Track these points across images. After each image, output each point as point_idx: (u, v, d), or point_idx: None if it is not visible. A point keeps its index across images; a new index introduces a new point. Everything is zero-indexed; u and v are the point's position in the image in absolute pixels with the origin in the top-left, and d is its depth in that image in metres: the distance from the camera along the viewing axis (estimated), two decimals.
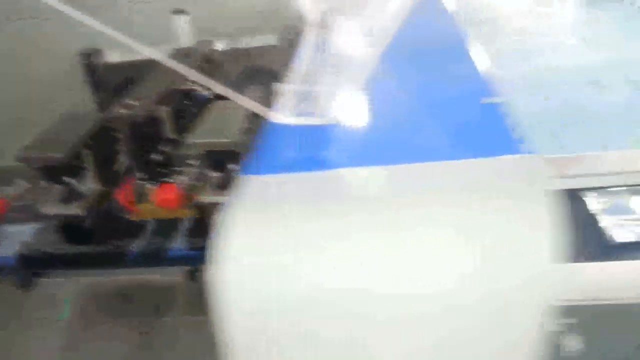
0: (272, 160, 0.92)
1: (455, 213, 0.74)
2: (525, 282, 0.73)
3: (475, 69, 1.22)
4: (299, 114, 1.00)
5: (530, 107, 1.12)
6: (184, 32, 2.35)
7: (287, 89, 1.02)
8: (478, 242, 0.72)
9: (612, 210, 1.57)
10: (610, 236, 1.48)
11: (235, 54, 2.26)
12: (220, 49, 2.32)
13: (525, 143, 0.90)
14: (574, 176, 1.65)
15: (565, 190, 1.61)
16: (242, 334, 0.76)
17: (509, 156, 0.84)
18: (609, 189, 1.61)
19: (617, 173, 1.67)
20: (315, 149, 0.93)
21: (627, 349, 1.21)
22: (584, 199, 1.60)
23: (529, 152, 0.87)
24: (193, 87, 1.88)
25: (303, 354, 0.78)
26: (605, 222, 1.55)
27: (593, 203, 1.62)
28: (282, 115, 1.02)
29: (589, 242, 1.40)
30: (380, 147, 0.92)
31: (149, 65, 1.87)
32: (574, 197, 1.57)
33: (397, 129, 0.97)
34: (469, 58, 1.26)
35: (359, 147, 0.94)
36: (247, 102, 1.05)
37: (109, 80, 2.41)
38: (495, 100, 1.03)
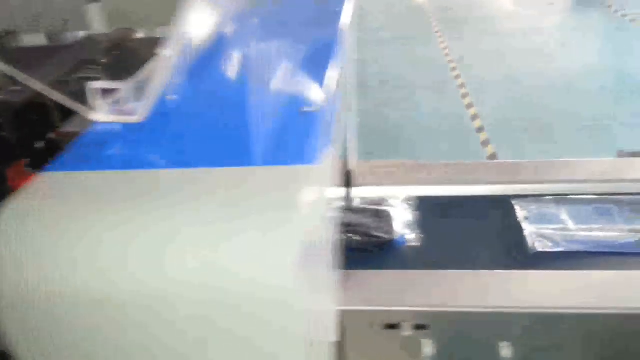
0: (71, 157, 0.93)
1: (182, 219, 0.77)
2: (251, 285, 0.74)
3: (310, 75, 1.21)
4: (107, 112, 1.01)
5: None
6: (98, 19, 2.27)
7: (97, 86, 0.99)
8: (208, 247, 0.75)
9: (535, 219, 1.50)
10: (532, 245, 1.50)
11: (150, 43, 2.17)
12: (137, 37, 2.24)
13: (323, 153, 0.89)
14: (501, 183, 1.58)
15: (492, 196, 1.54)
16: (10, 324, 0.80)
17: (283, 166, 0.85)
18: (533, 198, 1.56)
19: (544, 182, 1.59)
20: (112, 148, 0.95)
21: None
22: (511, 205, 1.52)
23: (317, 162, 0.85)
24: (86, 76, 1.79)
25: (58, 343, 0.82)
26: (528, 230, 1.58)
27: (518, 210, 1.56)
28: (93, 112, 1.02)
29: (511, 250, 1.48)
30: (167, 150, 0.94)
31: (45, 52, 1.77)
32: (499, 204, 1.51)
33: (188, 133, 0.99)
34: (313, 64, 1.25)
35: (148, 149, 0.95)
36: (62, 99, 1.02)
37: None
38: (315, 108, 1.01)
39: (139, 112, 0.98)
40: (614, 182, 1.61)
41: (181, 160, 0.88)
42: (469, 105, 4.58)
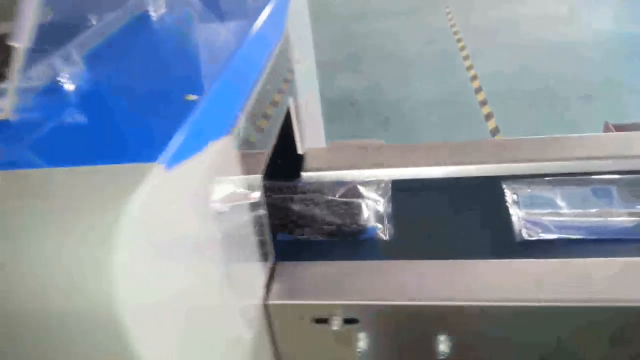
0: None
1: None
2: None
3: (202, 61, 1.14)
4: None
5: None
6: None
7: None
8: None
9: (525, 203, 1.34)
10: (519, 232, 1.37)
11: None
12: None
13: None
14: (488, 162, 1.45)
15: (476, 178, 1.42)
16: None
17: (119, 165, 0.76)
18: (525, 179, 1.40)
19: (536, 160, 1.46)
20: None
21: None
22: (500, 187, 1.48)
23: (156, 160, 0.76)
24: None
25: None
26: (517, 215, 1.44)
27: (508, 194, 1.39)
28: None
29: (494, 238, 1.36)
30: (14, 149, 0.86)
31: None
32: (485, 187, 1.38)
33: (48, 130, 0.90)
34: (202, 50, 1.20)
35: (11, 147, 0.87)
36: None
37: None
38: (201, 96, 0.92)
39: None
40: (614, 159, 1.47)
41: (22, 161, 0.81)
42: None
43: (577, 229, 1.28)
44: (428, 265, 1.25)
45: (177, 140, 0.81)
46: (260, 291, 1.22)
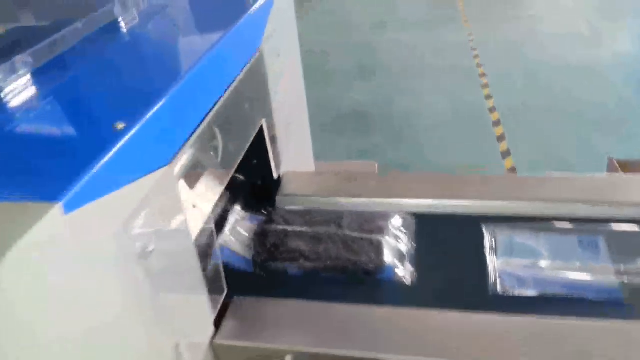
0: None
1: None
2: None
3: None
4: None
5: None
6: None
7: None
8: None
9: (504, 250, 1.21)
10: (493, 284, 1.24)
11: None
12: None
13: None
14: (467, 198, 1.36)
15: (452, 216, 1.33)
16: None
17: None
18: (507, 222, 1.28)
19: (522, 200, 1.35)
20: None
21: None
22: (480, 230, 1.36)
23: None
24: None
25: None
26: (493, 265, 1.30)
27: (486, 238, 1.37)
28: None
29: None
30: None
31: None
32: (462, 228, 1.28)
33: None
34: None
35: None
36: None
37: None
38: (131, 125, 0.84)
39: None
40: (607, 205, 1.35)
41: None
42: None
43: (557, 284, 1.17)
44: (390, 313, 1.15)
45: (85, 179, 0.72)
46: (206, 328, 1.13)
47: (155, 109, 0.89)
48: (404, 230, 1.38)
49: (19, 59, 1.05)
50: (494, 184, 1.49)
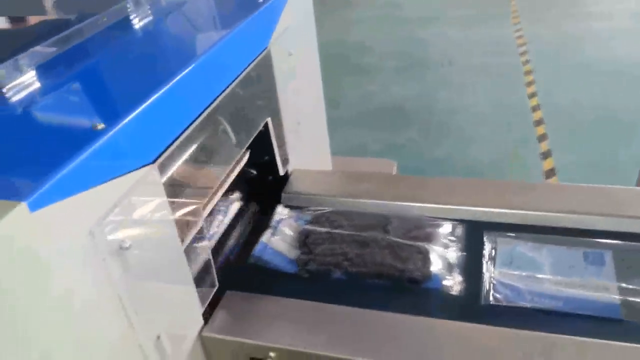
0: None
1: None
2: None
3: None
4: None
5: None
6: None
7: None
8: None
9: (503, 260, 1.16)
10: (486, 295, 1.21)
11: None
12: None
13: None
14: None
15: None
16: None
17: None
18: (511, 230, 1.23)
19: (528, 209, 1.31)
20: None
21: None
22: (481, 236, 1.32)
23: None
24: None
25: None
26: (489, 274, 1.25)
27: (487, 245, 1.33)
28: None
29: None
30: None
31: None
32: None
33: None
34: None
35: None
36: None
37: None
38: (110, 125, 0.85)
39: None
40: (618, 218, 1.29)
41: None
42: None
43: (553, 298, 1.12)
44: (378, 316, 1.14)
45: (55, 178, 0.74)
46: (195, 321, 1.16)
47: (138, 111, 0.91)
48: (453, 238, 1.34)
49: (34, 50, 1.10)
50: (498, 190, 1.44)
